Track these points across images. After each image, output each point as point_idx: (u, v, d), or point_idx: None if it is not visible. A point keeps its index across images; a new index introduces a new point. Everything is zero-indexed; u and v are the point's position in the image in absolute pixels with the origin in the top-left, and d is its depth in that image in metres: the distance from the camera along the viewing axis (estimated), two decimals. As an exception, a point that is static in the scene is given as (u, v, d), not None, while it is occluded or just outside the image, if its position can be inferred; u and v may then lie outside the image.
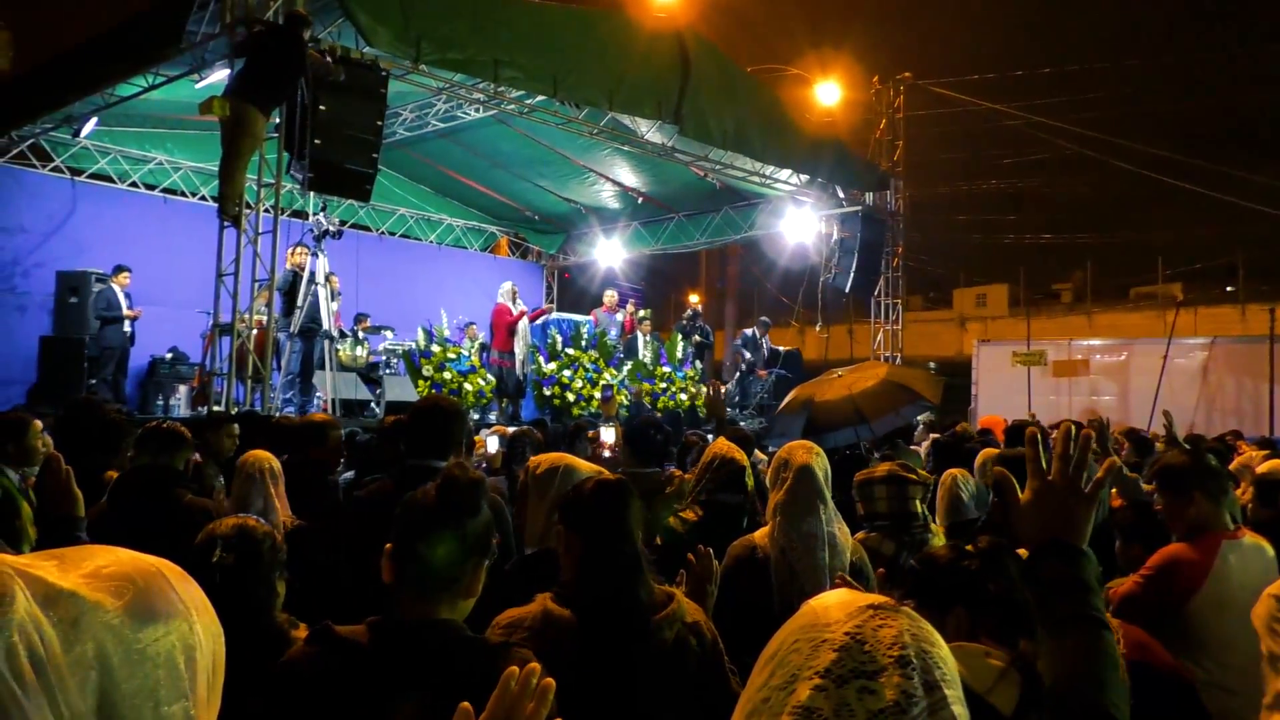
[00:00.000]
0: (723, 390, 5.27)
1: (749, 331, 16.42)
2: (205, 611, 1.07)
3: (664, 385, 13.86)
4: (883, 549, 3.56)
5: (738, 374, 15.95)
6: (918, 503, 3.71)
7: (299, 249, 11.02)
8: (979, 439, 7.79)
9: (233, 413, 8.58)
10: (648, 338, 15.09)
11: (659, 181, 16.47)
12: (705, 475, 3.96)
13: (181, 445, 3.63)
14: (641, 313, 15.21)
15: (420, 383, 11.57)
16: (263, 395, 9.83)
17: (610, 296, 15.02)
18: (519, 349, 12.76)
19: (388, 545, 1.99)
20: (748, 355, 15.92)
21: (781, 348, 16.58)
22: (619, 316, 14.80)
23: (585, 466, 3.08)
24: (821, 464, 3.28)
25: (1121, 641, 2.01)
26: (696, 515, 3.87)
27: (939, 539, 3.68)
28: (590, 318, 14.31)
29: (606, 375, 13.12)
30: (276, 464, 4.31)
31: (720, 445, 4.01)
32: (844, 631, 1.03)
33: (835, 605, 1.08)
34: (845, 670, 0.99)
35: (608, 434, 6.29)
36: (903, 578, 2.06)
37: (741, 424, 13.06)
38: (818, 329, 16.62)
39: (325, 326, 10.80)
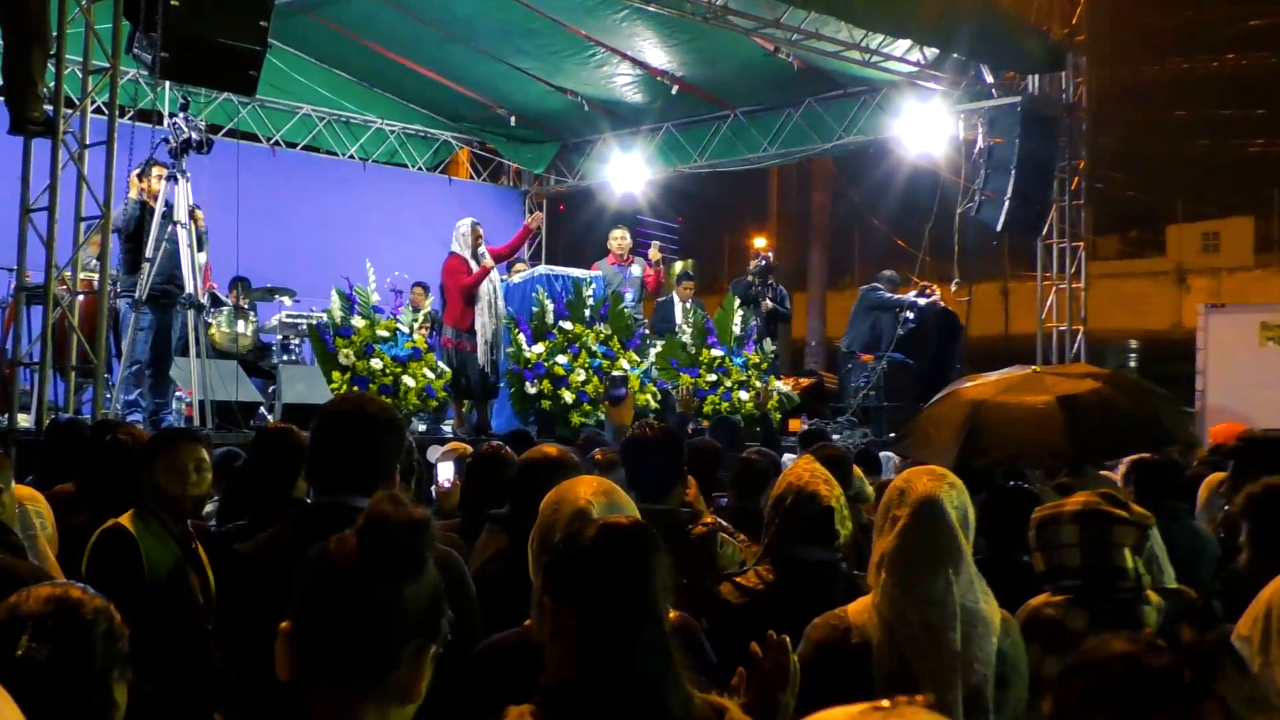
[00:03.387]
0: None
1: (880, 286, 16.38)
2: None
3: (713, 378, 13.86)
4: (1070, 621, 3.58)
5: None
6: (1128, 553, 3.73)
7: (149, 170, 11.09)
8: (1209, 456, 7.75)
9: (52, 420, 8.66)
10: (688, 304, 15.05)
11: (704, 60, 16.43)
12: (776, 517, 3.96)
13: None
14: (678, 265, 15.22)
15: (336, 375, 11.63)
16: (95, 396, 9.90)
17: (619, 239, 14.94)
18: (484, 322, 12.79)
19: (283, 624, 2.01)
20: (910, 316, 15.75)
21: (920, 298, 16.24)
22: (635, 270, 14.76)
23: (621, 498, 3.12)
24: (957, 498, 3.27)
25: None
26: (762, 580, 3.89)
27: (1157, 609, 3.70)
28: (593, 273, 14.27)
29: (623, 362, 13.14)
30: (43, 505, 4.37)
31: (798, 471, 4.01)
32: None
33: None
34: None
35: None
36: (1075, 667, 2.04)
37: (835, 437, 13.06)
38: (953, 288, 16.52)
39: (188, 289, 10.88)
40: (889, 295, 16.15)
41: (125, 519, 4.40)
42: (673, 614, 3.26)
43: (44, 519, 4.34)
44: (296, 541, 3.20)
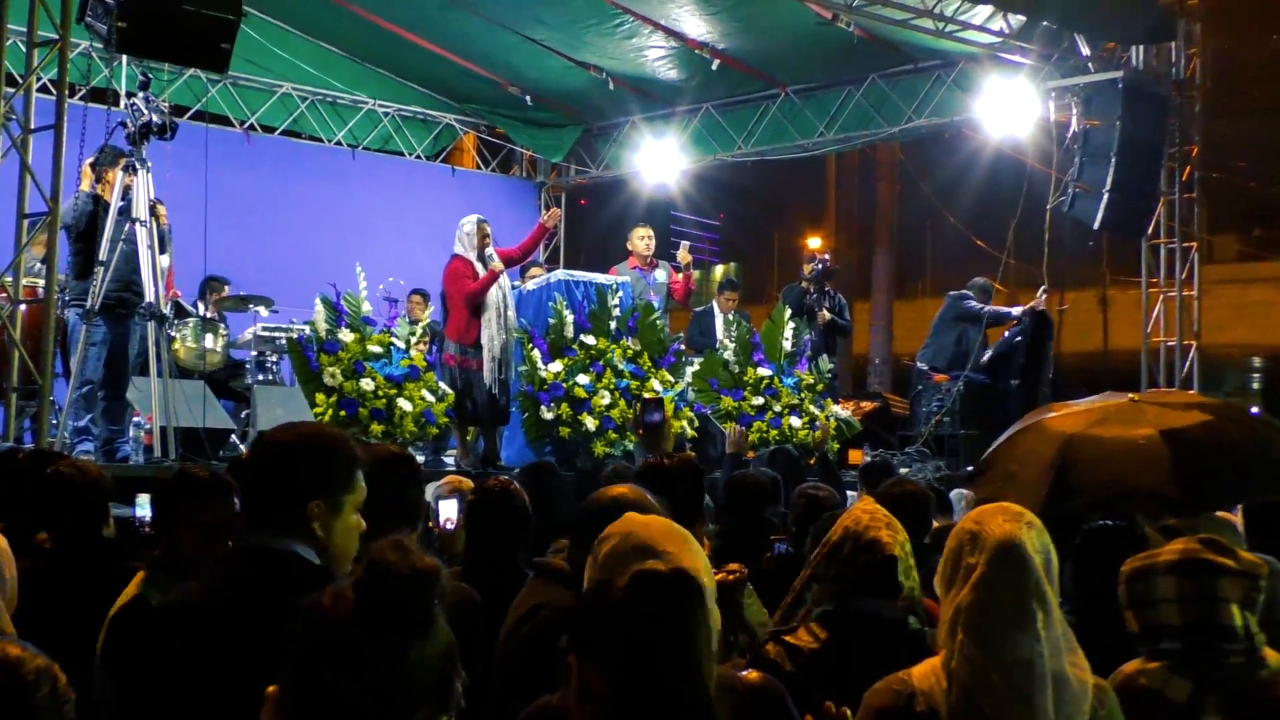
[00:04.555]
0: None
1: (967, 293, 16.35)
2: None
3: (759, 401, 13.85)
4: (1169, 692, 3.57)
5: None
6: (1235, 609, 3.69)
7: (104, 158, 11.15)
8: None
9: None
10: (731, 315, 15.04)
11: (750, 30, 16.50)
12: (831, 566, 3.99)
13: None
14: (719, 269, 15.21)
15: (320, 398, 11.65)
16: (39, 423, 9.95)
17: (642, 238, 14.90)
18: (491, 335, 12.78)
19: (271, 689, 2.03)
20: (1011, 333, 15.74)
21: (1014, 308, 16.15)
22: (659, 275, 14.75)
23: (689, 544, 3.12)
24: (1038, 540, 3.27)
25: None
26: (816, 639, 3.91)
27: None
28: (618, 278, 14.20)
29: (655, 382, 13.14)
30: (3, 553, 4.41)
31: (856, 514, 4.04)
32: None
33: None
34: None
35: None
36: None
37: (904, 470, 13.03)
38: (1040, 295, 16.48)
39: (148, 297, 10.93)
40: (979, 306, 16.07)
41: (137, 586, 4.41)
42: (753, 674, 3.28)
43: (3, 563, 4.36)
44: (209, 591, 3.24)
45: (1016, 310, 16.08)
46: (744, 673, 3.22)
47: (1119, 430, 6.40)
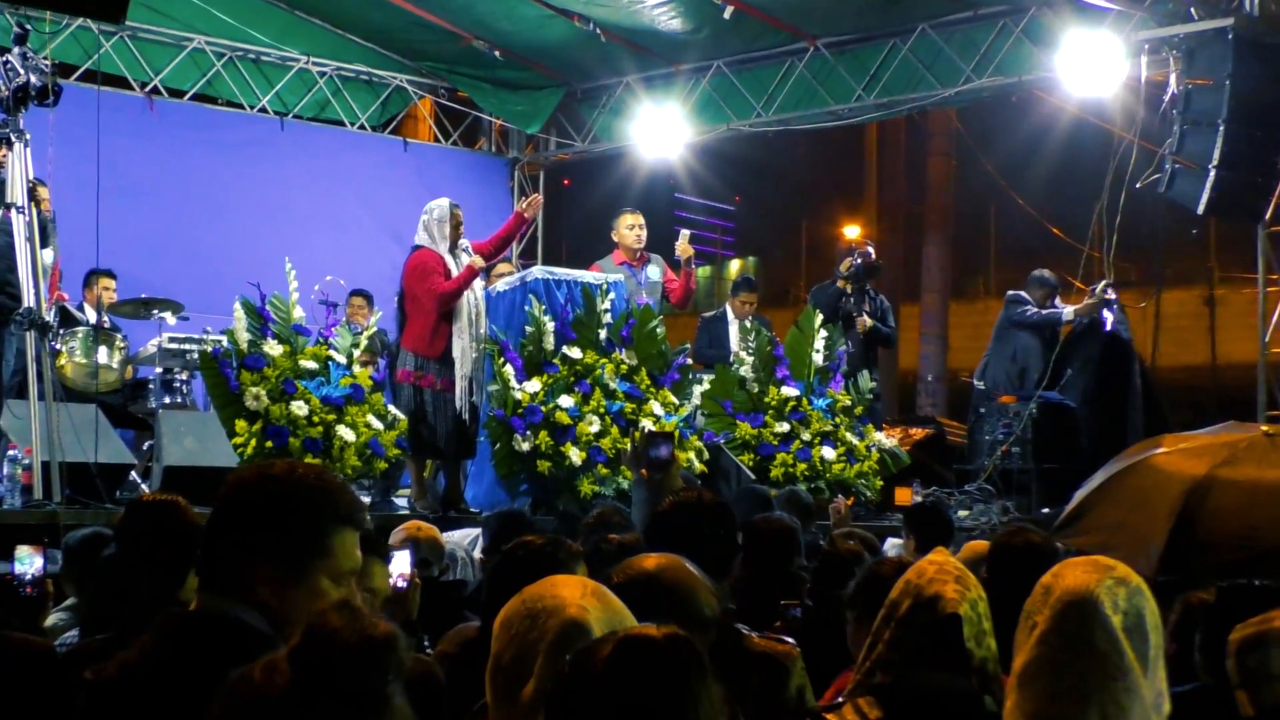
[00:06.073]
0: None
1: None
2: None
3: (784, 427, 13.86)
4: None
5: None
6: None
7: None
8: None
9: None
10: (748, 322, 15.04)
11: (772, -30, 16.53)
12: (886, 630, 4.00)
13: None
14: (734, 265, 15.21)
15: (241, 425, 11.65)
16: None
17: (630, 228, 14.73)
18: (464, 347, 12.76)
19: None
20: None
21: (1065, 308, 16.26)
22: (652, 272, 14.72)
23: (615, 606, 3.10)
24: (1125, 599, 3.26)
25: None
26: (866, 718, 3.91)
27: None
28: (600, 276, 14.06)
29: (655, 404, 13.13)
30: None
31: (922, 566, 4.05)
32: None
33: None
34: None
35: None
36: None
37: (963, 513, 13.01)
38: (1100, 291, 16.47)
39: (27, 301, 10.94)
40: (1029, 312, 16.10)
41: None
42: None
43: None
44: (162, 664, 3.19)
45: (1068, 311, 16.06)
46: None
47: (1254, 472, 6.38)
